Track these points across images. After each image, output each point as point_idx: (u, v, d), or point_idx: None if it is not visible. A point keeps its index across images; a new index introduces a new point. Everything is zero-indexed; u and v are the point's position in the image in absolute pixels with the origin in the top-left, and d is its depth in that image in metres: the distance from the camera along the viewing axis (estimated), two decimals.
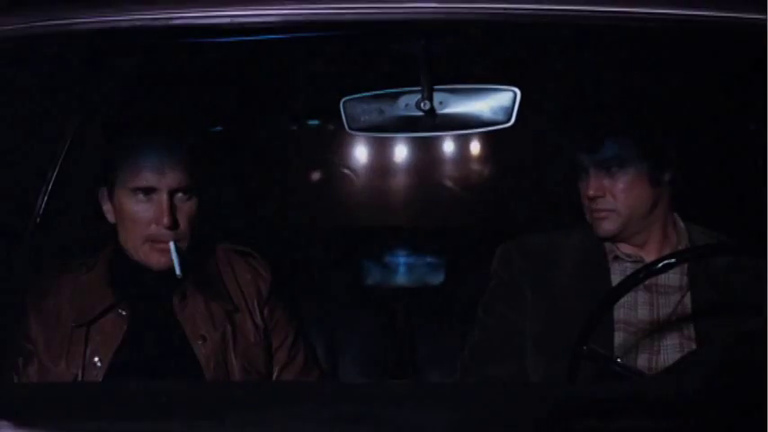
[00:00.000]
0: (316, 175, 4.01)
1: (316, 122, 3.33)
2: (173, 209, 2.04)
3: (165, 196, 2.04)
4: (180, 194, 2.06)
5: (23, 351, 2.08)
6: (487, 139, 3.87)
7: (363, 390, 1.63)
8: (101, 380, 2.02)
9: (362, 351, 2.55)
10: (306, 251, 3.02)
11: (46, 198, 2.38)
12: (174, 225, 2.04)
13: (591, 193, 2.05)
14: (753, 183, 2.26)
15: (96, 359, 2.04)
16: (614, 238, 2.11)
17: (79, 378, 2.03)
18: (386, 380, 2.47)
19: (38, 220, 2.36)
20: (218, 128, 3.30)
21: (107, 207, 2.12)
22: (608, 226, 2.08)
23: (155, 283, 2.10)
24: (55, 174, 2.39)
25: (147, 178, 2.04)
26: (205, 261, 2.20)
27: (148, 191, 2.04)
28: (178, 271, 2.02)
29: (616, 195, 2.06)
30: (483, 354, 2.20)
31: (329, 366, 2.47)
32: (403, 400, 1.41)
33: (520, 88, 1.72)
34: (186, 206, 2.07)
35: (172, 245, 2.03)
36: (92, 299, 2.10)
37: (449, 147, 4.01)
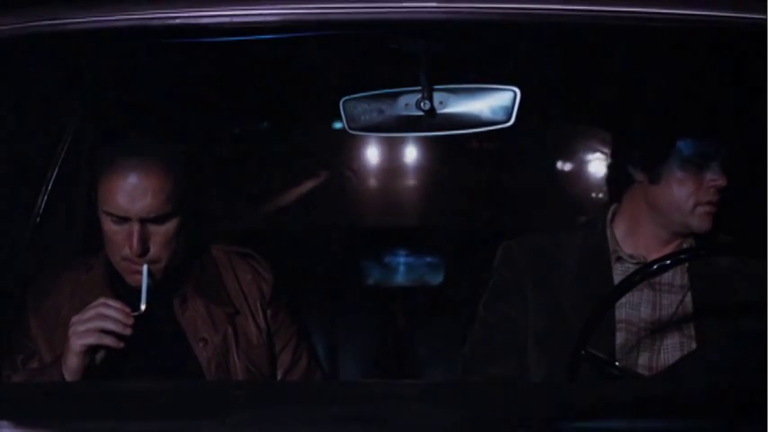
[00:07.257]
0: (316, 176, 4.00)
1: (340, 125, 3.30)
2: (144, 236, 1.98)
3: (135, 225, 1.97)
4: (153, 221, 1.99)
5: (23, 350, 2.08)
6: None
7: (363, 390, 1.63)
8: (100, 380, 2.02)
9: (363, 351, 2.55)
10: (306, 252, 3.02)
11: (46, 198, 2.38)
12: (144, 252, 1.99)
13: (722, 183, 2.04)
14: (753, 182, 2.26)
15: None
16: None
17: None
18: (386, 380, 2.47)
19: (38, 220, 2.36)
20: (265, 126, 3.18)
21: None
22: (713, 220, 2.07)
23: (154, 286, 2.07)
24: (55, 174, 2.39)
25: (118, 206, 1.97)
26: (205, 263, 2.19)
27: (120, 217, 1.98)
28: (143, 306, 1.96)
29: (722, 187, 2.06)
30: (484, 351, 2.20)
31: (330, 366, 2.47)
32: (403, 399, 1.41)
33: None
34: (161, 230, 2.00)
35: (145, 269, 1.98)
36: (91, 299, 2.08)
37: (452, 147, 4.01)
